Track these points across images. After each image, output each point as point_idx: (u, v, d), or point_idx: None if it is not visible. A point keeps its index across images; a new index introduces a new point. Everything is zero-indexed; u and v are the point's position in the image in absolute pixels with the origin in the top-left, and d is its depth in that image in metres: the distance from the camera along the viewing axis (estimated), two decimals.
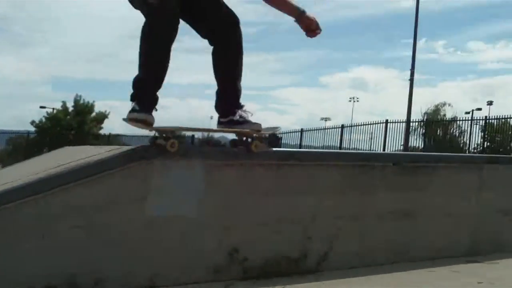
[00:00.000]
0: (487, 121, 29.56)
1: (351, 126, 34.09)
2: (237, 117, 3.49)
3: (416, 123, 32.86)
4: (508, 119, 29.67)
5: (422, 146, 31.30)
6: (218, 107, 3.61)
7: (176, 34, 3.31)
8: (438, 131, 35.57)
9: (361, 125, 32.53)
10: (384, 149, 29.54)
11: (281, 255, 3.30)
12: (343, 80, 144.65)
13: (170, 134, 3.15)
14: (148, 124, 3.22)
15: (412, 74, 26.88)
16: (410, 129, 30.86)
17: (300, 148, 34.56)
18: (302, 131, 36.73)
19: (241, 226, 3.20)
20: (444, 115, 39.51)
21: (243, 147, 3.42)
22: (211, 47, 3.59)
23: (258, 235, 3.25)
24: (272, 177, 3.34)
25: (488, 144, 33.18)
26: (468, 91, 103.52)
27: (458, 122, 34.05)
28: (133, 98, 3.27)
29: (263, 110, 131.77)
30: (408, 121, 26.57)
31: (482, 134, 29.38)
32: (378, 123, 30.71)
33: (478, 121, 29.77)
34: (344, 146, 31.59)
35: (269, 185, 3.32)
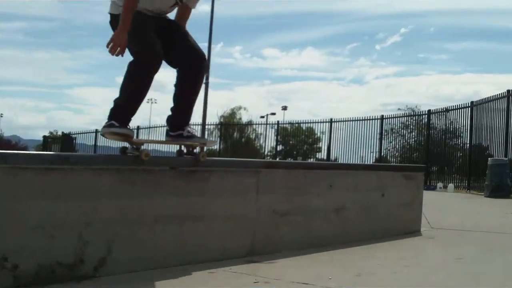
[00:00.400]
0: (279, 125, 31.32)
1: (148, 127, 34.20)
2: (186, 132, 4.25)
3: (213, 126, 33.92)
4: (301, 124, 31.81)
5: (219, 148, 32.39)
6: (170, 121, 4.36)
7: (158, 71, 4.04)
8: (235, 134, 37.03)
9: (157, 126, 32.88)
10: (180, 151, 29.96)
11: (56, 261, 3.25)
12: None
13: (140, 145, 4.05)
14: (128, 136, 4.05)
15: (207, 78, 27.53)
16: (208, 132, 31.79)
17: (95, 149, 34.07)
18: (96, 132, 36.35)
19: (9, 232, 3.11)
20: (240, 118, 41.30)
21: (192, 156, 4.21)
22: (176, 73, 4.32)
23: (30, 241, 3.17)
24: (43, 181, 3.28)
25: (282, 147, 35.21)
26: (264, 96, 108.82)
27: (253, 125, 35.78)
28: (112, 117, 3.99)
29: (58, 109, 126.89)
30: (203, 123, 27.23)
31: (276, 137, 31.06)
32: None
33: (273, 125, 31.45)
34: (141, 148, 31.62)
35: (41, 189, 3.26)
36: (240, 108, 45.18)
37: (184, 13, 4.47)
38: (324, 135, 29.17)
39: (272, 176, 4.63)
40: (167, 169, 3.93)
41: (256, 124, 35.94)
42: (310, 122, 30.31)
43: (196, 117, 26.04)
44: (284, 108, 54.75)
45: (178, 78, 4.33)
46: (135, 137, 4.31)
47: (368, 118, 26.31)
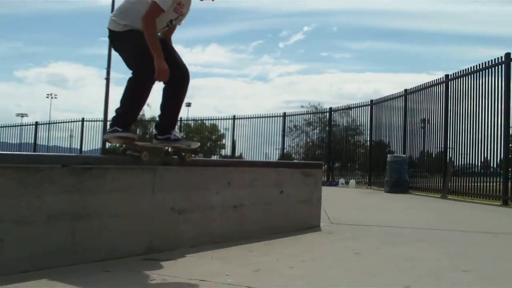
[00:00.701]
0: (182, 122, 31.22)
1: (48, 123, 33.64)
2: (172, 136, 4.87)
3: None
4: (204, 121, 31.88)
5: (121, 145, 32.11)
6: (158, 127, 4.97)
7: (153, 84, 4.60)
8: (138, 130, 36.70)
9: (57, 122, 32.56)
10: (81, 148, 29.81)
11: None
12: (40, 76, 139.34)
13: (139, 147, 4.64)
14: (132, 139, 4.68)
15: (108, 73, 27.04)
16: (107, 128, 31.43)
17: None
18: None
19: None
20: (143, 114, 40.87)
21: (177, 157, 4.89)
22: (163, 85, 4.81)
23: None
24: None
25: None
26: None
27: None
28: (114, 124, 4.60)
29: None
30: (105, 120, 26.74)
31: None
32: (74, 121, 30.98)
33: (180, 121, 31.32)
34: (41, 143, 31.51)
35: None
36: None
37: (171, 30, 4.98)
38: (227, 132, 29.35)
39: (169, 174, 4.65)
40: (59, 167, 3.85)
41: None
42: (213, 119, 30.41)
43: (98, 113, 25.68)
44: (188, 104, 54.38)
45: (164, 89, 4.86)
46: None
47: (271, 115, 26.64)
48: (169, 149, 4.97)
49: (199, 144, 5.27)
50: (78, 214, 3.90)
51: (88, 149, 30.27)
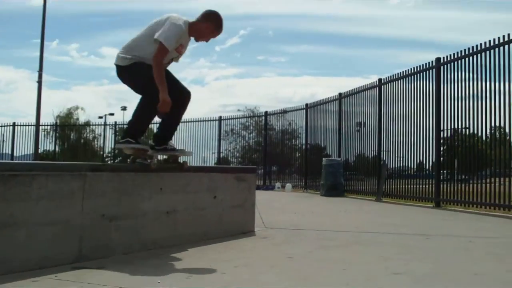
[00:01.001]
0: (117, 126, 30.84)
1: None
2: (169, 146, 5.52)
3: (49, 127, 32.89)
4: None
5: (54, 149, 31.66)
6: (156, 139, 5.50)
7: None
8: (72, 134, 36.17)
9: None
10: (12, 153, 29.12)
11: None
12: None
13: (148, 156, 5.37)
14: (146, 151, 5.37)
15: (40, 76, 26.37)
16: (44, 133, 30.92)
17: None
18: None
19: None
20: (77, 118, 40.39)
21: (176, 164, 5.61)
22: None
23: None
24: None
25: None
26: (103, 95, 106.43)
27: (91, 126, 35.09)
28: (127, 135, 5.32)
29: None
30: (37, 124, 26.13)
31: (115, 139, 30.56)
32: (5, 126, 30.32)
33: (111, 126, 30.94)
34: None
35: None
36: (77, 108, 44.43)
37: (168, 64, 5.54)
38: None
39: (99, 180, 4.59)
40: None
41: (94, 124, 35.32)
42: None
43: (31, 117, 25.12)
44: (124, 108, 53.86)
45: (169, 112, 5.27)
46: None
47: (206, 119, 26.59)
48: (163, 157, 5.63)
49: (191, 153, 5.76)
50: (5, 223, 3.83)
51: (20, 154, 29.59)
